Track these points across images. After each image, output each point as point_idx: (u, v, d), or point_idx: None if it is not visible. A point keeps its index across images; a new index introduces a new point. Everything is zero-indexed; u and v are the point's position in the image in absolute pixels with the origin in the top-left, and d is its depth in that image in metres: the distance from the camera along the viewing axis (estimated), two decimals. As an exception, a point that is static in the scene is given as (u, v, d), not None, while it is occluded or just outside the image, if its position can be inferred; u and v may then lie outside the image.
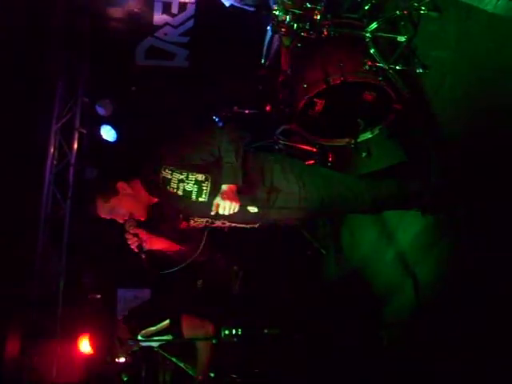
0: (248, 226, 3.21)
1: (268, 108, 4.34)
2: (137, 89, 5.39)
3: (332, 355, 3.61)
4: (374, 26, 3.49)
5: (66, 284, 4.70)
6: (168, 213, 3.18)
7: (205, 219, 3.10)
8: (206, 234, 3.06)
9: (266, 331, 3.19)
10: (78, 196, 4.91)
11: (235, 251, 4.21)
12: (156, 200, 3.13)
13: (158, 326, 3.76)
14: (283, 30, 3.66)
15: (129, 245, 3.05)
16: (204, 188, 2.98)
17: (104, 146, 5.24)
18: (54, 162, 5.05)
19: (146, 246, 3.06)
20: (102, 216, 3.07)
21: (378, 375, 3.54)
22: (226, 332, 3.14)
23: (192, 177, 2.96)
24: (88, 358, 4.32)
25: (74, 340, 4.48)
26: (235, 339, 3.11)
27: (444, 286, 3.35)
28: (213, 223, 3.13)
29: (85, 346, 4.40)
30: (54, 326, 4.58)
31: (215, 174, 2.94)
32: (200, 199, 2.99)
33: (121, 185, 3.02)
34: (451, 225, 3.30)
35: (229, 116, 4.33)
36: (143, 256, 3.00)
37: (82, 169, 5.02)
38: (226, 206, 2.84)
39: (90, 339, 4.39)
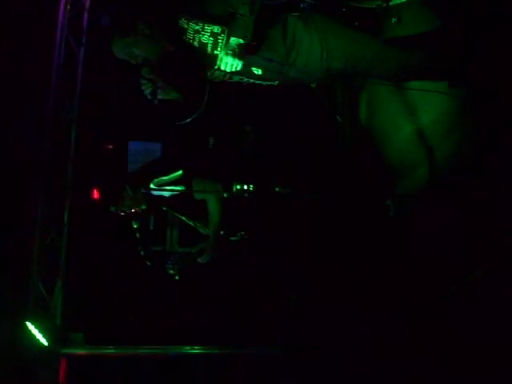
0: (265, 83, 3.16)
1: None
2: None
3: (339, 218, 3.66)
4: None
5: (78, 134, 4.67)
6: (185, 63, 3.13)
7: (222, 73, 3.04)
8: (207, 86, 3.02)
9: (277, 189, 3.21)
10: (93, 43, 4.76)
11: (248, 111, 4.15)
12: (172, 48, 3.06)
13: (171, 175, 3.80)
14: None
15: (143, 91, 3.04)
16: (220, 41, 2.89)
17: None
18: (68, 7, 4.82)
19: (161, 94, 3.04)
20: (116, 54, 3.05)
21: (381, 245, 3.61)
22: (238, 187, 3.16)
23: (208, 28, 2.86)
24: (99, 205, 4.39)
25: (85, 189, 4.54)
26: (246, 194, 3.15)
27: (461, 167, 3.32)
28: (231, 78, 3.08)
29: (96, 195, 4.46)
30: (65, 175, 4.61)
31: (232, 27, 2.84)
32: (215, 52, 2.92)
33: (139, 24, 2.96)
34: (475, 105, 3.21)
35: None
36: (156, 103, 2.99)
37: (96, 15, 4.80)
38: (228, 63, 2.78)
39: (102, 189, 4.44)
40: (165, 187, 3.77)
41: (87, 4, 4.76)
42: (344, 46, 3.06)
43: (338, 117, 4.46)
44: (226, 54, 2.80)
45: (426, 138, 3.63)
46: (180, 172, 3.82)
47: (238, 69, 2.85)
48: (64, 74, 4.75)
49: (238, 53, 2.80)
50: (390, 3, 3.69)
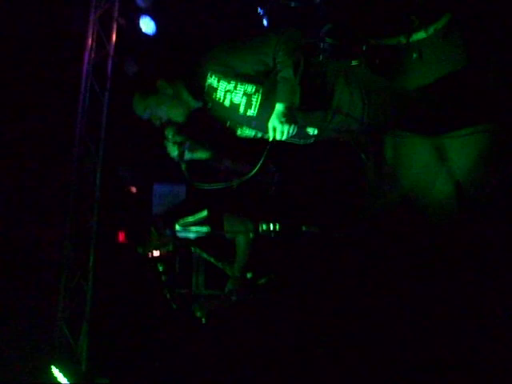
0: (301, 141, 2.98)
1: (317, 1, 4.11)
2: None
3: (367, 253, 3.59)
4: None
5: (103, 176, 4.71)
6: (213, 120, 2.98)
7: (253, 130, 2.87)
8: (265, 152, 2.79)
9: (304, 228, 3.16)
10: (117, 89, 4.84)
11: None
12: (199, 105, 2.92)
13: (196, 216, 3.78)
14: None
15: (168, 153, 2.89)
16: (253, 101, 2.71)
17: (143, 40, 5.09)
18: (93, 54, 4.94)
19: (188, 156, 2.89)
20: (138, 114, 2.89)
21: (411, 285, 3.51)
22: (264, 227, 3.12)
23: (241, 87, 2.69)
24: (124, 248, 4.39)
25: (110, 231, 4.56)
26: (273, 234, 3.10)
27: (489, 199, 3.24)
28: (263, 136, 2.90)
29: (121, 237, 4.47)
30: (91, 217, 4.64)
31: (267, 87, 2.67)
32: (248, 113, 2.75)
33: (161, 83, 2.81)
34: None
35: (274, 8, 4.12)
36: (184, 166, 2.84)
37: (121, 62, 4.90)
38: (285, 130, 2.58)
39: (127, 231, 4.45)
40: (190, 228, 3.75)
41: (111, 51, 4.86)
42: (385, 100, 2.87)
43: (362, 155, 4.43)
44: (280, 122, 2.55)
45: (458, 181, 3.53)
46: (205, 212, 3.80)
47: (294, 133, 2.63)
48: (89, 118, 4.83)
49: (290, 118, 2.56)
50: (411, 39, 3.69)
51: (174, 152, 2.87)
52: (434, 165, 3.61)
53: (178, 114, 2.85)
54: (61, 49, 4.96)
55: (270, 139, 2.65)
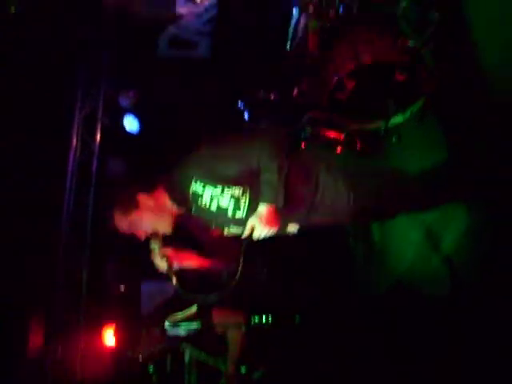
0: (288, 234, 2.92)
1: (295, 93, 4.24)
2: (160, 79, 5.30)
3: (363, 344, 3.49)
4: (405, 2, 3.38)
5: (90, 275, 4.65)
6: (199, 223, 2.84)
7: (241, 227, 2.71)
8: (243, 249, 2.72)
9: (297, 319, 3.09)
10: (102, 188, 4.87)
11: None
12: (183, 211, 2.85)
13: (186, 312, 3.68)
14: (311, 9, 3.58)
15: (156, 267, 2.78)
16: (241, 204, 2.64)
17: (127, 138, 5.19)
18: (77, 154, 5.02)
19: (176, 266, 2.79)
20: (121, 230, 2.73)
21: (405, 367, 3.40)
22: (256, 319, 3.04)
23: (228, 191, 2.63)
24: (113, 350, 4.26)
25: (98, 332, 4.44)
26: (265, 326, 3.02)
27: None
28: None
29: (109, 338, 4.35)
30: (77, 317, 4.53)
31: (255, 187, 2.59)
32: (237, 216, 2.67)
33: (142, 197, 2.70)
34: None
35: (254, 102, 4.24)
36: (173, 278, 2.72)
37: (105, 160, 4.97)
38: (263, 231, 2.52)
39: (115, 331, 4.33)
40: (180, 324, 3.64)
41: (96, 150, 4.94)
42: (371, 188, 2.81)
43: (350, 239, 4.43)
44: (260, 222, 2.49)
45: (453, 263, 3.50)
46: (195, 307, 3.71)
47: (273, 233, 2.54)
48: (75, 214, 4.84)
49: (270, 218, 2.50)
50: (389, 124, 3.76)
51: (162, 265, 2.75)
52: (424, 244, 3.59)
53: (163, 225, 2.71)
54: (46, 147, 5.01)
55: (244, 236, 2.57)
